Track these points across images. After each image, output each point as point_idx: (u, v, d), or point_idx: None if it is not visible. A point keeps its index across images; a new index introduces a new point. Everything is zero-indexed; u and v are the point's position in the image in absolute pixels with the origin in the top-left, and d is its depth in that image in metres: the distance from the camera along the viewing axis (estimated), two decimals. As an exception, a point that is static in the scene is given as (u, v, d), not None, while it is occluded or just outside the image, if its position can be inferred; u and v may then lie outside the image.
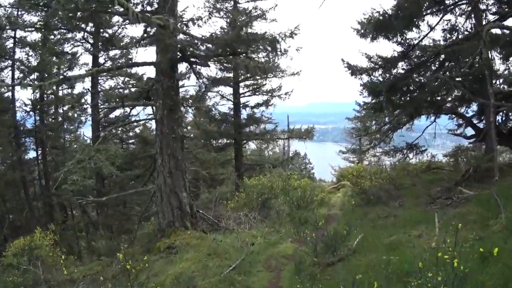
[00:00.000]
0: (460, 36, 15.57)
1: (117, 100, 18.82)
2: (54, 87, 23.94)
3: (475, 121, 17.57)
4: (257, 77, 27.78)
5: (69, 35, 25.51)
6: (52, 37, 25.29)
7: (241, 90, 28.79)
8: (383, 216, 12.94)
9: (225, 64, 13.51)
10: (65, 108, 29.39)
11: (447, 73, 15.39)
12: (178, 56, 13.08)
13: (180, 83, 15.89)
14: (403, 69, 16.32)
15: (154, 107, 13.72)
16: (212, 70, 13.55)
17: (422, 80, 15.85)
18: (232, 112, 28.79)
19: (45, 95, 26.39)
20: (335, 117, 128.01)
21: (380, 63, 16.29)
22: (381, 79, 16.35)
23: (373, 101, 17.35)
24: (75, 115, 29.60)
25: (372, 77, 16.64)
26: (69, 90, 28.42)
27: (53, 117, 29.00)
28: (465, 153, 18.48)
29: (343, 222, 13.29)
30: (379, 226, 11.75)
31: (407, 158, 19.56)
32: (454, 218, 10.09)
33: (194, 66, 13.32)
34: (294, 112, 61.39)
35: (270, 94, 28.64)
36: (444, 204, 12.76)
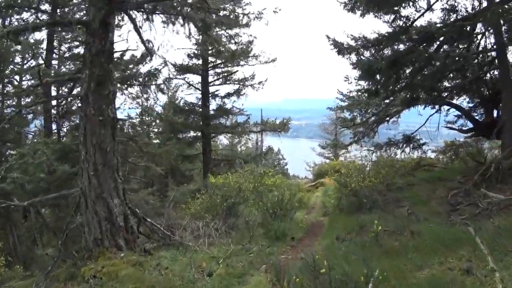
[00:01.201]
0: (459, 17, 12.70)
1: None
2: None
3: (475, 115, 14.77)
4: (228, 63, 24.14)
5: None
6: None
7: (210, 79, 25.24)
8: (393, 231, 8.98)
9: (175, 19, 9.26)
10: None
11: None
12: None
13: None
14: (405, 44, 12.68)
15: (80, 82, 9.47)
16: (158, 26, 9.01)
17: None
18: (200, 103, 25.16)
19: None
20: (309, 113, 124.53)
21: (374, 38, 12.93)
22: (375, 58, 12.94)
23: (367, 83, 13.74)
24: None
25: (362, 56, 13.34)
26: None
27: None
28: (461, 148, 15.55)
29: (333, 237, 9.98)
30: (394, 250, 7.84)
31: (402, 153, 16.37)
32: (500, 236, 6.93)
33: (132, 15, 9.15)
34: (269, 107, 58.14)
35: (242, 83, 24.79)
36: (472, 214, 9.37)
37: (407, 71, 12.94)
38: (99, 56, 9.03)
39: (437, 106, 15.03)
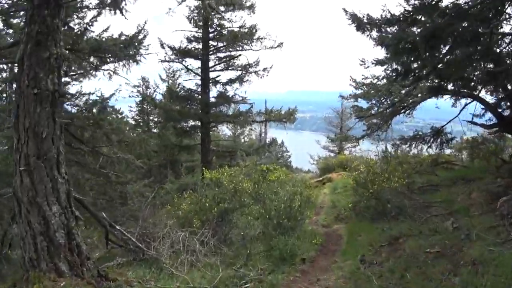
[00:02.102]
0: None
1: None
2: None
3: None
4: (230, 46, 21.36)
5: None
6: None
7: (211, 64, 22.14)
8: (441, 254, 6.25)
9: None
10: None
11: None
12: None
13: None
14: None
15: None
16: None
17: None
18: (199, 89, 22.15)
19: None
20: (313, 106, 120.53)
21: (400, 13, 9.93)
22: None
23: (396, 62, 10.78)
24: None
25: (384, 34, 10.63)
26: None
27: None
28: (481, 145, 13.23)
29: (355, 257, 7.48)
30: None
31: (428, 148, 13.44)
32: None
33: None
34: (273, 99, 55.47)
35: (245, 69, 21.77)
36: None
37: (446, 48, 9.99)
38: (42, 8, 6.16)
39: (462, 99, 12.53)
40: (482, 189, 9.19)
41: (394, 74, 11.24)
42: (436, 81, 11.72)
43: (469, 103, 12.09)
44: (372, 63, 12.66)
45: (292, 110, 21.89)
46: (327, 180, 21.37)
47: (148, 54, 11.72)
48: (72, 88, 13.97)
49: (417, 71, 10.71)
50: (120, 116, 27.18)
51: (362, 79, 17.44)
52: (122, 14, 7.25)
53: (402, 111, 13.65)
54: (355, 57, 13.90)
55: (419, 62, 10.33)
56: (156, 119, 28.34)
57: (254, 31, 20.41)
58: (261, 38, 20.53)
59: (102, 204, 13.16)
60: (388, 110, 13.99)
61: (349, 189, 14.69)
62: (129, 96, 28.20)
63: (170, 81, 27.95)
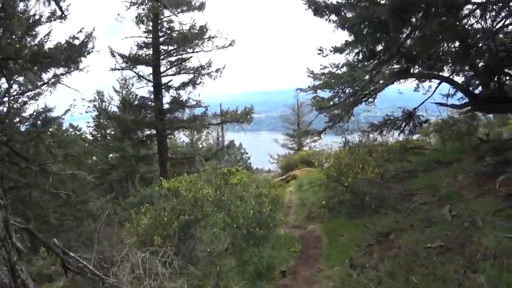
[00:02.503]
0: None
1: None
2: None
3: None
4: (181, 49, 20.07)
5: None
6: None
7: (162, 69, 20.84)
8: (447, 248, 5.26)
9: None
10: None
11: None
12: None
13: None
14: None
15: None
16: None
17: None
18: (152, 96, 20.65)
19: None
20: (269, 106, 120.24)
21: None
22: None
23: (362, 42, 9.88)
24: None
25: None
26: None
27: None
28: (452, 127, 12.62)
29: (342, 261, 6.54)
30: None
31: (400, 134, 12.57)
32: None
33: None
34: (228, 101, 54.33)
35: (197, 72, 20.47)
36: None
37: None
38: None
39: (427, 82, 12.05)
40: (468, 171, 8.36)
41: (357, 58, 10.34)
42: (401, 64, 10.97)
43: (439, 84, 11.36)
44: (331, 51, 11.68)
45: (248, 110, 20.81)
46: (291, 178, 20.17)
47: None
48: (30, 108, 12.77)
49: (381, 54, 9.84)
50: (78, 133, 25.88)
51: (321, 69, 16.25)
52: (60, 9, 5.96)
53: (364, 99, 12.86)
54: (311, 53, 12.87)
55: (383, 44, 9.48)
56: (113, 132, 26.94)
57: (204, 30, 19.28)
58: (212, 37, 19.48)
59: (64, 226, 11.87)
60: (350, 100, 13.10)
61: (316, 185, 13.83)
62: (86, 112, 27.01)
63: (124, 92, 26.52)
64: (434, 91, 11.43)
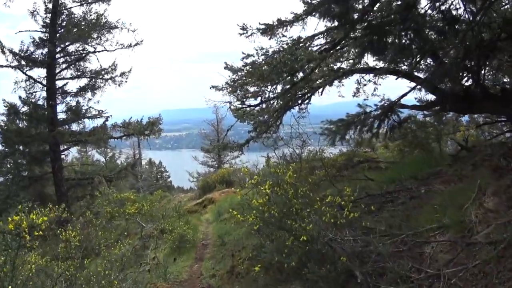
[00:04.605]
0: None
1: None
2: None
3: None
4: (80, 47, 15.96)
5: None
6: None
7: (58, 70, 16.76)
8: None
9: None
10: None
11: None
12: None
13: None
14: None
15: None
16: None
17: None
18: (44, 103, 16.49)
19: None
20: (189, 124, 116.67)
21: None
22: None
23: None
24: None
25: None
26: None
27: None
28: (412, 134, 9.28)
29: None
30: None
31: (372, 138, 9.40)
32: None
33: None
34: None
35: (99, 75, 16.66)
36: None
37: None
38: None
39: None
40: (495, 186, 4.65)
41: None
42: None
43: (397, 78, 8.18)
44: (258, 30, 8.03)
45: (153, 120, 17.14)
46: (208, 202, 17.16)
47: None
48: None
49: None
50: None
51: (243, 57, 10.75)
52: None
53: (299, 101, 9.21)
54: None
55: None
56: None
57: (102, 18, 15.28)
58: (113, 28, 15.59)
59: None
60: (278, 102, 9.38)
61: (238, 212, 10.08)
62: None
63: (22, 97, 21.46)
64: (412, 88, 8.19)
